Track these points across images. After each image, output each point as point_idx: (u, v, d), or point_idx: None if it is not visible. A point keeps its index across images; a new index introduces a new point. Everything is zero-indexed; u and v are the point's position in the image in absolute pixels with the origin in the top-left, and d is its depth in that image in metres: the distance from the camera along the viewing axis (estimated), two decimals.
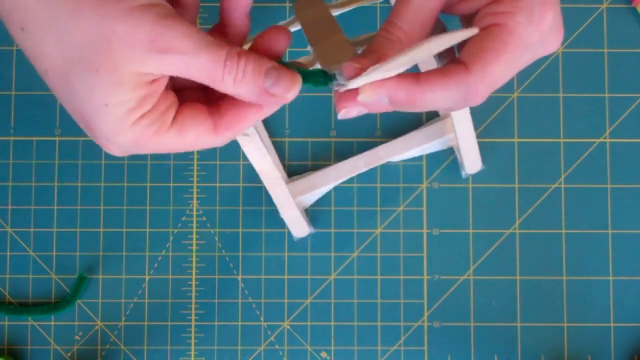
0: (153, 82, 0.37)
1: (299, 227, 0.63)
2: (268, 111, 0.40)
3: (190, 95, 0.41)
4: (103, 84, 0.36)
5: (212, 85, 0.38)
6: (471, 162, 0.63)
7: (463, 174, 0.64)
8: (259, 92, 0.39)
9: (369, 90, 0.40)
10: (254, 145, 0.52)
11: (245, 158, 0.65)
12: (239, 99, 0.39)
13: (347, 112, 0.41)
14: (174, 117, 0.39)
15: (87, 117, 0.38)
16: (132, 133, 0.38)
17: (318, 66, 0.45)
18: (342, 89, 0.41)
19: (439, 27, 0.45)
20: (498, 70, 0.38)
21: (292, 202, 0.61)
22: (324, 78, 0.41)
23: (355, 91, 0.40)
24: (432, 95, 0.39)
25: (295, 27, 0.60)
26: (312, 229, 0.64)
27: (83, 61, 0.36)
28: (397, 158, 0.64)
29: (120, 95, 0.37)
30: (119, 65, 0.36)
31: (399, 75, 0.40)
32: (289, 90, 0.39)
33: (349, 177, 0.63)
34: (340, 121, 0.65)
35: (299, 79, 0.39)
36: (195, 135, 0.40)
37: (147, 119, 0.38)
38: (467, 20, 0.42)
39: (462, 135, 0.61)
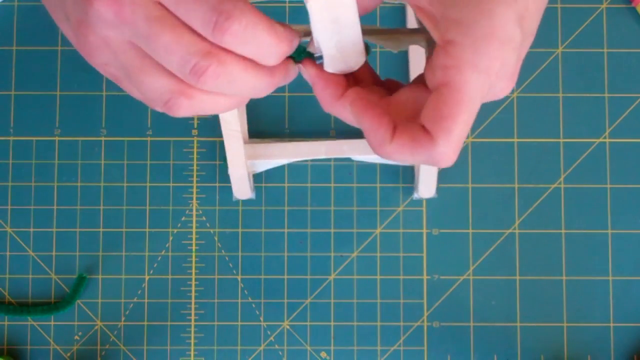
0: None
1: (242, 187, 0.62)
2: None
3: None
4: None
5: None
6: (426, 186, 0.63)
7: (415, 195, 0.64)
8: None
9: (349, 111, 0.42)
10: None
11: None
12: None
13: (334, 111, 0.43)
14: None
15: (75, 18, 0.38)
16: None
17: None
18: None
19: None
20: (460, 130, 0.38)
21: (243, 160, 0.60)
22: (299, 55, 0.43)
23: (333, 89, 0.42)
24: (400, 157, 0.40)
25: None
26: (253, 195, 0.64)
27: None
28: (358, 157, 0.63)
29: None
30: None
31: (376, 115, 0.40)
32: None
33: (306, 158, 0.63)
34: (340, 121, 0.65)
35: (295, 71, 0.41)
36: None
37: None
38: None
39: None
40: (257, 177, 0.65)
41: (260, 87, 0.40)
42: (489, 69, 0.38)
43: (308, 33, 0.43)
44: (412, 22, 0.64)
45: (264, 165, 0.63)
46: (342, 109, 0.41)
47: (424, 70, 0.40)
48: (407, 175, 0.65)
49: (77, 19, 0.39)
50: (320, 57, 0.42)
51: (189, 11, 0.37)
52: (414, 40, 0.47)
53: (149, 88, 0.39)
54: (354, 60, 0.42)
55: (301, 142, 0.62)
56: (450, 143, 0.38)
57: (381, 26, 0.45)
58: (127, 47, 0.38)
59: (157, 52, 0.38)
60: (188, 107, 0.39)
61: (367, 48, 0.43)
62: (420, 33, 0.47)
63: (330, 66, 0.42)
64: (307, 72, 0.42)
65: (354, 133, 0.64)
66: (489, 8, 0.37)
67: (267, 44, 0.39)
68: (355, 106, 0.40)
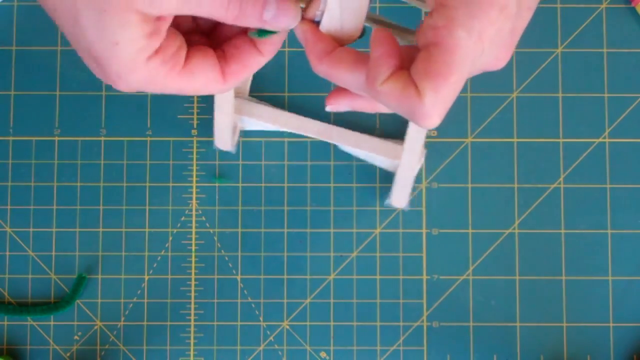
0: (158, 20, 0.39)
1: (224, 137, 0.62)
2: (268, 56, 0.43)
3: (197, 40, 0.43)
4: (111, 22, 0.38)
5: (216, 18, 0.40)
6: (399, 196, 0.63)
7: (386, 202, 0.64)
8: (260, 24, 0.41)
9: (334, 101, 0.44)
10: None
11: (244, 158, 0.65)
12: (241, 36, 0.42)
13: (334, 107, 0.45)
14: (185, 60, 0.41)
15: (98, 56, 0.39)
16: (146, 71, 0.39)
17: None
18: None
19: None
20: (447, 93, 0.39)
21: (230, 109, 0.60)
22: None
23: (341, 92, 0.44)
24: (387, 103, 0.40)
25: None
26: (234, 150, 0.64)
27: (90, 1, 0.37)
28: (345, 149, 0.63)
29: (130, 33, 0.38)
30: (124, 3, 0.37)
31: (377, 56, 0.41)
32: (288, 23, 0.41)
33: (295, 132, 0.63)
34: (340, 121, 0.65)
35: (298, 12, 0.41)
36: (205, 80, 0.41)
37: (159, 57, 0.39)
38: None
39: (405, 166, 0.60)
40: (257, 177, 0.65)
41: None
42: (481, 32, 0.38)
43: None
44: None
45: (251, 124, 0.63)
46: (330, 66, 0.42)
47: (415, 34, 0.40)
48: None
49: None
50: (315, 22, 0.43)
51: None
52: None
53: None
54: (350, 26, 0.42)
55: (293, 114, 0.63)
56: (436, 102, 0.38)
57: (389, 20, 0.46)
58: None
59: None
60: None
61: (364, 30, 0.43)
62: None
63: (326, 23, 0.42)
64: (301, 27, 0.42)
65: (357, 124, 0.64)
66: None
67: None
68: (377, 33, 0.40)
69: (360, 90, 0.41)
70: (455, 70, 0.38)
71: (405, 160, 0.60)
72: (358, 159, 0.65)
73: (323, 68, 0.42)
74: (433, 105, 0.38)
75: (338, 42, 0.42)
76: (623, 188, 0.65)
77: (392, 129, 0.65)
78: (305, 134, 0.63)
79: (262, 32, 0.42)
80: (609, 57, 0.65)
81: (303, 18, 0.42)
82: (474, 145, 0.65)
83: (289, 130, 0.63)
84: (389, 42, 0.40)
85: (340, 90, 0.45)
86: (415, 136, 0.60)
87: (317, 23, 0.42)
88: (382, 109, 0.44)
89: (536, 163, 0.65)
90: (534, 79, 0.65)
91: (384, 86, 0.39)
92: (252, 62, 0.42)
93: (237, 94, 0.60)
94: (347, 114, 0.65)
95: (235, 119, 0.62)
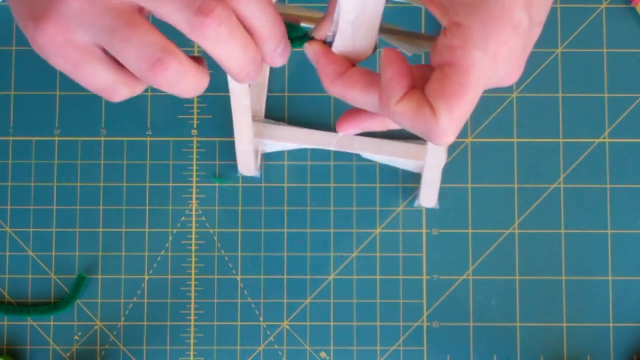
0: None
1: (247, 163, 0.62)
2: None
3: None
4: None
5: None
6: (427, 196, 0.63)
7: (416, 203, 0.64)
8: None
9: (346, 124, 0.45)
10: None
11: None
12: None
13: (346, 132, 0.46)
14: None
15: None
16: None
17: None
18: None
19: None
20: (462, 112, 0.39)
21: (250, 135, 0.60)
22: (301, 41, 0.43)
23: (350, 116, 0.45)
24: (403, 123, 0.40)
25: None
26: (258, 173, 0.64)
27: None
28: (367, 156, 0.63)
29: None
30: None
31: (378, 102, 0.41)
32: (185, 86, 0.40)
33: (315, 147, 0.63)
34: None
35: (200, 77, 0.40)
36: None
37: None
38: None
39: (430, 167, 0.60)
40: (257, 178, 0.65)
41: (252, 58, 0.39)
42: (495, 52, 0.38)
43: (309, 19, 0.43)
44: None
45: (272, 146, 0.63)
46: (343, 87, 0.42)
47: (430, 54, 0.40)
48: (407, 175, 0.65)
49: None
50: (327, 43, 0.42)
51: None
52: (430, 46, 0.47)
53: (141, 43, 0.38)
54: (363, 45, 0.42)
55: (312, 130, 0.63)
56: (451, 121, 0.38)
57: (400, 27, 0.46)
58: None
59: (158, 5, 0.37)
60: (176, 70, 0.38)
61: (376, 45, 0.43)
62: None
63: (338, 44, 0.42)
64: (312, 48, 0.42)
65: None
66: None
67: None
68: (387, 54, 0.40)
69: (375, 110, 0.42)
70: (470, 90, 0.38)
71: (431, 160, 0.60)
72: (358, 159, 0.65)
73: (336, 89, 0.42)
74: (448, 124, 0.39)
75: (351, 60, 0.42)
76: (623, 188, 0.65)
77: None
78: (326, 148, 0.63)
79: None
80: (609, 57, 0.65)
81: (313, 39, 0.42)
82: (474, 145, 0.65)
83: (310, 147, 0.63)
84: (400, 62, 0.40)
85: (350, 115, 0.45)
86: None
87: (329, 44, 0.42)
88: (393, 126, 0.44)
89: (536, 163, 0.65)
90: (533, 79, 0.65)
91: (398, 106, 0.39)
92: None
93: (255, 118, 0.60)
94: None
95: (256, 144, 0.62)
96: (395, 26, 0.47)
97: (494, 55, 0.38)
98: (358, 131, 0.46)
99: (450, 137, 0.39)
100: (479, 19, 0.38)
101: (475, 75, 0.38)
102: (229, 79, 0.52)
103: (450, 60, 0.39)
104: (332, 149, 0.63)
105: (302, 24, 0.43)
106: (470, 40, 0.38)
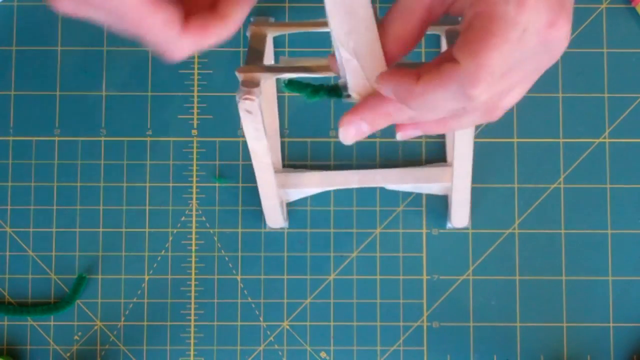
0: None
1: (274, 217, 0.63)
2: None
3: None
4: None
5: None
6: (459, 217, 0.63)
7: (448, 225, 0.64)
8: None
9: (377, 83, 0.41)
10: (253, 125, 0.51)
11: (244, 158, 0.65)
12: None
13: (345, 129, 0.43)
14: None
15: None
16: None
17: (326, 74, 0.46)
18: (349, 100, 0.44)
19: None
20: (491, 57, 0.37)
21: (274, 191, 0.60)
22: (335, 92, 0.43)
23: (355, 111, 0.43)
24: (433, 96, 0.39)
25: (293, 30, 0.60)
26: (287, 223, 0.64)
27: None
28: (391, 187, 0.64)
29: None
30: None
31: (400, 72, 0.40)
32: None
33: (338, 187, 0.63)
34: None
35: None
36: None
37: None
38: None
39: (458, 189, 0.60)
40: (254, 178, 0.65)
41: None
42: (522, 4, 0.37)
43: (307, 69, 0.44)
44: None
45: (296, 194, 0.63)
46: (377, 122, 0.43)
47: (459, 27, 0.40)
48: None
49: None
50: (346, 90, 0.43)
51: None
52: None
53: None
54: (372, 66, 0.41)
55: (334, 171, 0.63)
56: (478, 66, 0.37)
57: (408, 61, 0.46)
58: None
59: None
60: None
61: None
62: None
63: (354, 85, 0.42)
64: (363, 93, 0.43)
65: None
66: None
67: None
68: (381, 80, 0.41)
69: (412, 106, 0.41)
70: (496, 32, 0.37)
71: (458, 183, 0.60)
72: (358, 158, 0.65)
73: (379, 122, 0.43)
74: (476, 69, 0.37)
75: (371, 91, 0.42)
76: (623, 188, 0.65)
77: (392, 129, 0.65)
78: (350, 187, 0.63)
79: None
80: (609, 57, 0.65)
81: (348, 96, 0.43)
82: (474, 145, 0.65)
83: (334, 189, 0.64)
84: (393, 72, 0.40)
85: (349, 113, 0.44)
86: (463, 157, 0.58)
87: (345, 90, 0.43)
88: (450, 126, 0.43)
89: (536, 163, 0.65)
90: None
91: (420, 86, 0.39)
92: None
93: (275, 170, 0.60)
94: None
95: (280, 195, 0.62)
96: (406, 62, 0.47)
97: (519, 4, 0.37)
98: (416, 133, 0.44)
99: (484, 84, 0.38)
100: None
101: (500, 19, 0.37)
102: (248, 139, 0.53)
103: (474, 12, 0.38)
104: (355, 186, 0.63)
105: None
106: None
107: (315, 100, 0.46)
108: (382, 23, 0.41)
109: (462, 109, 0.40)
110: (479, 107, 0.40)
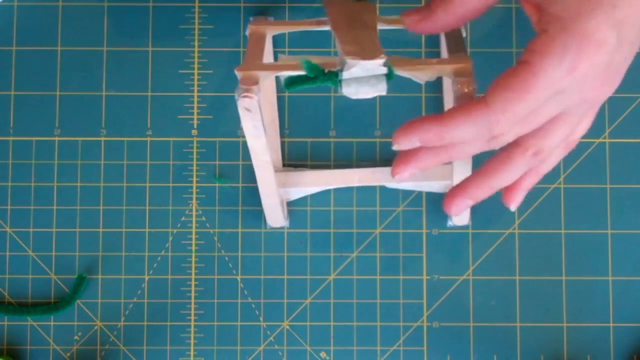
0: None
1: (274, 216, 0.63)
2: None
3: None
4: None
5: None
6: (460, 215, 0.63)
7: (449, 224, 0.64)
8: None
9: (401, 138, 0.45)
10: (252, 123, 0.51)
11: (245, 158, 0.65)
12: None
13: (401, 176, 0.48)
14: None
15: None
16: None
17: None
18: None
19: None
20: (517, 107, 0.40)
21: (274, 189, 0.60)
22: (331, 78, 0.45)
23: (406, 157, 0.47)
24: (459, 131, 0.42)
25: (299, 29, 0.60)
26: (287, 222, 0.64)
27: None
28: (392, 185, 0.64)
29: None
30: None
31: (424, 119, 0.44)
32: None
33: (339, 186, 0.63)
34: (340, 121, 0.65)
35: None
36: None
37: None
38: None
39: None
40: (254, 178, 0.65)
41: None
42: (573, 66, 0.40)
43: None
44: (444, 54, 0.63)
45: (297, 192, 0.63)
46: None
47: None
48: None
49: None
50: (342, 77, 0.46)
51: None
52: (441, 71, 0.47)
53: None
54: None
55: (334, 170, 0.63)
56: (505, 111, 0.40)
57: (407, 56, 0.47)
58: None
59: None
60: None
61: (390, 74, 0.45)
62: (448, 63, 0.47)
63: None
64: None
65: (357, 125, 0.64)
66: (589, 9, 0.40)
67: None
68: (403, 133, 0.45)
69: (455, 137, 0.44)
70: (532, 89, 0.40)
71: (458, 181, 0.60)
72: (358, 158, 0.65)
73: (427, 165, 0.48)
74: (502, 112, 0.40)
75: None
76: (623, 188, 0.65)
77: (392, 129, 0.65)
78: (350, 186, 0.63)
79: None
80: None
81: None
82: None
83: (334, 187, 0.64)
84: (417, 121, 0.44)
85: (403, 158, 0.47)
86: None
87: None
88: (447, 158, 0.47)
89: None
90: None
91: (453, 118, 0.42)
92: None
93: (275, 169, 0.60)
94: (345, 124, 0.65)
95: (281, 194, 0.62)
96: (400, 57, 0.47)
97: (570, 69, 0.40)
98: (414, 172, 0.48)
99: (504, 124, 0.41)
100: (564, 32, 0.40)
101: (541, 78, 0.40)
102: (247, 137, 0.53)
103: (524, 58, 0.41)
104: (356, 184, 0.63)
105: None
106: (549, 47, 0.40)
107: (314, 86, 0.48)
108: None
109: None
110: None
